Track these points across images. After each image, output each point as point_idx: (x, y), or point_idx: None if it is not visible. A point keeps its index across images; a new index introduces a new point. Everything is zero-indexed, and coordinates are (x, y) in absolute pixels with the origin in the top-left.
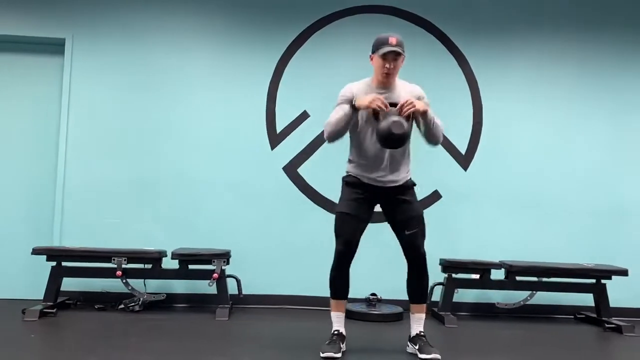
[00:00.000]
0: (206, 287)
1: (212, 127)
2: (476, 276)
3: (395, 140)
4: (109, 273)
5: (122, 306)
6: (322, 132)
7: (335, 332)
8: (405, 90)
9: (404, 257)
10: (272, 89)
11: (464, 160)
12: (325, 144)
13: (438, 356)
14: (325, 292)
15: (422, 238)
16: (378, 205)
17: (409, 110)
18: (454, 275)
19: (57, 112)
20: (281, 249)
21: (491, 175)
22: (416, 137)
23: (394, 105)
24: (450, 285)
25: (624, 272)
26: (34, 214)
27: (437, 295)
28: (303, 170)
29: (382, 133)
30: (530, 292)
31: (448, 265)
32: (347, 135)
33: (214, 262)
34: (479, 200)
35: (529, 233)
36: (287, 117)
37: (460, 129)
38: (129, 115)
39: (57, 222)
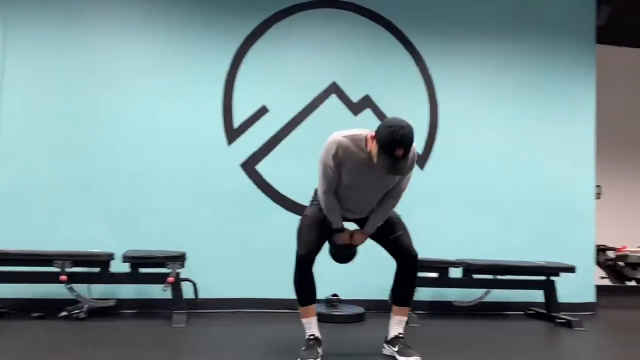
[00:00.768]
0: (157, 291)
1: (164, 119)
2: (435, 275)
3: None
4: (49, 277)
5: (64, 314)
6: (283, 128)
7: (312, 337)
8: None
9: (364, 256)
10: (229, 82)
11: (421, 159)
12: (286, 141)
13: (419, 358)
14: (286, 293)
15: (409, 238)
16: None
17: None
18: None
19: None
20: (238, 250)
21: (447, 174)
22: None
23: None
24: None
25: (571, 269)
26: None
27: None
28: (262, 167)
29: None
30: (486, 289)
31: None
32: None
33: (168, 265)
34: (436, 199)
35: (483, 232)
36: (245, 112)
37: (417, 128)
38: (69, 106)
39: None
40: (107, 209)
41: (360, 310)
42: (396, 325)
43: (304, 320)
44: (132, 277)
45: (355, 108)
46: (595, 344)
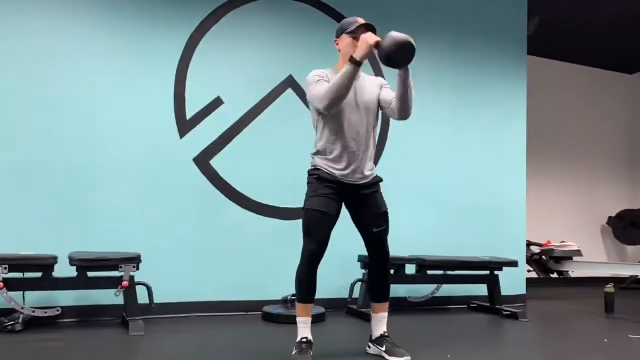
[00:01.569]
0: (102, 297)
1: (109, 108)
2: (391, 271)
3: (411, 47)
4: None
5: None
6: (238, 121)
7: (304, 340)
8: (369, 80)
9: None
10: (181, 70)
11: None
12: (242, 135)
13: (409, 357)
14: (244, 295)
15: (386, 235)
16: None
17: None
18: None
19: None
20: (191, 250)
21: (398, 173)
22: None
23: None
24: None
25: (514, 264)
26: None
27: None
28: (216, 162)
29: (400, 43)
30: (437, 284)
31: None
32: (316, 125)
33: (121, 267)
34: (387, 197)
35: (428, 229)
36: (199, 103)
37: None
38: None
39: None
40: (45, 207)
41: (320, 310)
42: (380, 324)
43: (300, 319)
44: (79, 282)
45: None
46: (540, 332)
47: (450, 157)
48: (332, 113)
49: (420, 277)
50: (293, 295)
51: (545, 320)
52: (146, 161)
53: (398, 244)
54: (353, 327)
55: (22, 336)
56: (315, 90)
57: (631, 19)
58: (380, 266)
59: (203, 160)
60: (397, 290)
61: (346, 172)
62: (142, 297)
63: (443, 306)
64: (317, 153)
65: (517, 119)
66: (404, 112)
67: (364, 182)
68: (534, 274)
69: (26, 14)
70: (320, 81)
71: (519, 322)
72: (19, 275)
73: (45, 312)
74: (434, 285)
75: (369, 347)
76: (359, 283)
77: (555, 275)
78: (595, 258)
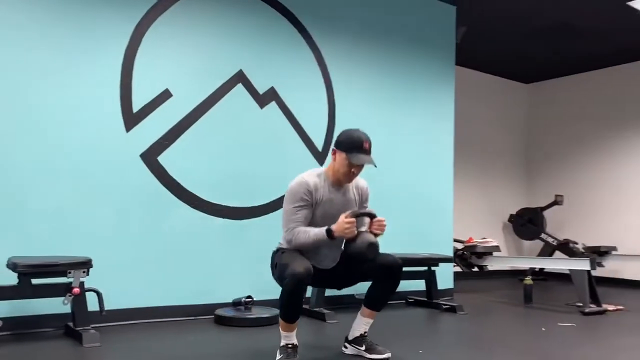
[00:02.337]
0: (42, 306)
1: (48, 98)
2: None
3: (370, 260)
4: None
5: None
6: (188, 116)
7: (290, 345)
8: (354, 190)
9: (268, 257)
10: (128, 59)
11: (320, 155)
12: (191, 130)
13: (389, 354)
14: (197, 299)
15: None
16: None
17: (379, 232)
18: None
19: None
20: (139, 253)
21: None
22: None
23: (364, 215)
24: None
25: (450, 260)
26: None
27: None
28: (165, 158)
29: (356, 254)
30: None
31: None
32: None
33: (70, 273)
34: None
35: None
36: (146, 94)
37: (318, 125)
38: None
39: None
40: None
41: (275, 311)
42: (362, 325)
43: (285, 334)
44: (22, 291)
45: (261, 100)
46: (482, 325)
47: (386, 156)
48: None
49: None
50: (248, 297)
51: (480, 312)
52: (89, 156)
53: None
54: (312, 328)
55: None
56: (289, 221)
57: (536, 35)
58: (392, 279)
59: (151, 157)
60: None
61: (322, 265)
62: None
63: (398, 301)
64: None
65: (445, 121)
66: None
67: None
68: (457, 269)
69: None
70: (302, 210)
71: (459, 315)
72: None
73: None
74: None
75: (346, 347)
76: None
77: (475, 269)
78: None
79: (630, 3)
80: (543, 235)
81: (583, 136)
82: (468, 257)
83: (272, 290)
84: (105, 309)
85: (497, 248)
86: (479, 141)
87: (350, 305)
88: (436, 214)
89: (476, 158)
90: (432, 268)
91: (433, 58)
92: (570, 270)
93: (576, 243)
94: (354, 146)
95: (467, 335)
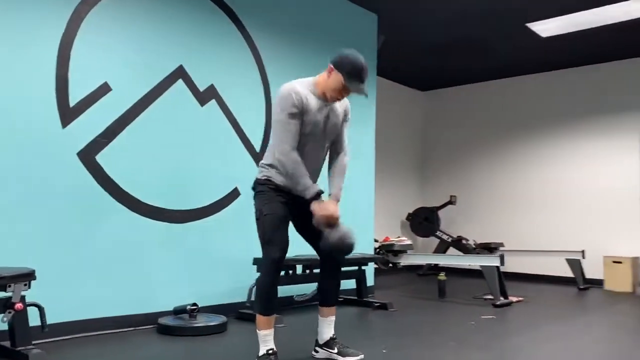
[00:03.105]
0: None
1: None
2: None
3: (348, 250)
4: None
5: None
6: (127, 112)
7: (270, 352)
8: (340, 109)
9: (210, 260)
10: (64, 48)
11: (258, 157)
12: (131, 128)
13: (362, 356)
14: (138, 308)
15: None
16: None
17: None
18: None
19: None
20: (76, 260)
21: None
22: None
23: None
24: None
25: (377, 258)
26: None
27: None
28: (103, 158)
29: (336, 245)
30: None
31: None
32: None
33: (10, 286)
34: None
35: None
36: (84, 87)
37: (255, 124)
38: None
39: None
40: None
41: (222, 319)
42: (329, 327)
43: (263, 332)
44: None
45: (202, 97)
46: (414, 320)
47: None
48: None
49: (309, 277)
50: (193, 304)
51: (406, 308)
52: (22, 155)
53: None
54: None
55: None
56: (284, 135)
57: (441, 48)
58: (334, 271)
59: (88, 156)
60: (291, 290)
61: (300, 188)
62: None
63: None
64: (272, 166)
65: (368, 124)
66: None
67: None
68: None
69: None
70: (294, 118)
71: (391, 312)
72: None
73: None
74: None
75: (317, 351)
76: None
77: (390, 266)
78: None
79: (528, 24)
80: (438, 233)
81: (474, 141)
82: (385, 255)
83: (216, 297)
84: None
85: (411, 246)
86: (378, 144)
87: (292, 307)
88: (359, 214)
89: (376, 160)
90: (362, 267)
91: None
92: (481, 266)
93: (467, 240)
94: (355, 73)
95: (413, 331)
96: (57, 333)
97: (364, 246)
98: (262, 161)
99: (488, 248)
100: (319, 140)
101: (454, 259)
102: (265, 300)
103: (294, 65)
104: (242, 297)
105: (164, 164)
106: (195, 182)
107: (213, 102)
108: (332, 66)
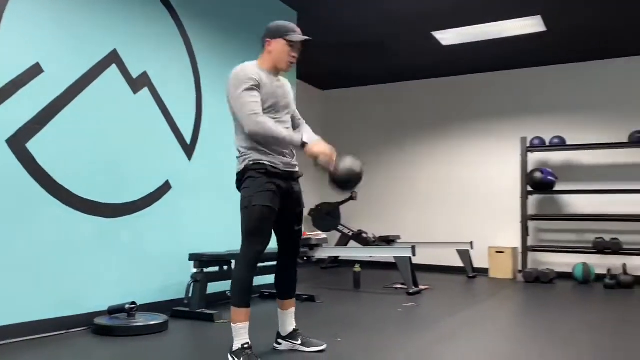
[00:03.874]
0: None
1: None
2: (215, 268)
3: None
4: None
5: None
6: (60, 97)
7: (246, 345)
8: (287, 86)
9: (143, 257)
10: None
11: (188, 149)
12: (64, 114)
13: (325, 345)
14: (74, 309)
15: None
16: None
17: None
18: (205, 270)
19: None
20: (4, 259)
21: (211, 166)
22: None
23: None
24: (204, 280)
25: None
26: None
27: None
28: (34, 146)
29: (352, 176)
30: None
31: (206, 260)
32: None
33: None
34: (198, 190)
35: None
36: (13, 68)
37: (186, 115)
38: None
39: None
40: None
41: (163, 317)
42: (290, 319)
43: (239, 326)
44: None
45: (135, 84)
46: (342, 310)
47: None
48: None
49: None
50: (132, 303)
51: (330, 300)
52: None
53: (206, 239)
54: (210, 332)
55: None
56: (248, 107)
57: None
58: (293, 263)
59: (18, 143)
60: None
61: (286, 160)
62: None
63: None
64: (253, 148)
65: None
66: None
67: (295, 170)
68: None
69: None
70: (253, 90)
71: (319, 304)
72: None
73: None
74: None
75: (280, 343)
76: (195, 283)
77: (305, 259)
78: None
79: (433, 33)
80: (340, 227)
81: (372, 140)
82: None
83: (148, 295)
84: None
85: (326, 240)
86: None
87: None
88: None
89: None
90: None
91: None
92: (395, 257)
93: (367, 233)
94: (289, 29)
95: (351, 320)
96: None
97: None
98: (240, 149)
99: (387, 241)
100: (280, 112)
101: (368, 251)
102: (246, 291)
103: (223, 57)
104: (174, 295)
105: (97, 154)
106: (128, 174)
107: (146, 90)
108: (268, 40)
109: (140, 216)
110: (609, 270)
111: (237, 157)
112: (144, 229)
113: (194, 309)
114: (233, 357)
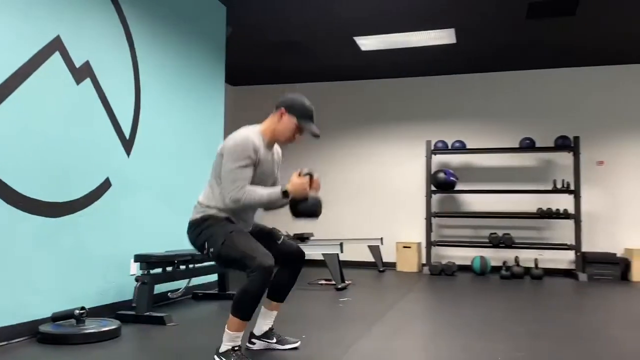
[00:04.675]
0: None
1: None
2: (169, 268)
3: (317, 216)
4: None
5: None
6: (4, 84)
7: (237, 347)
8: (277, 154)
9: (83, 259)
10: None
11: (127, 144)
12: (7, 105)
13: (299, 342)
14: (16, 317)
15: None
16: None
17: (317, 190)
18: (152, 271)
19: None
20: None
21: (150, 163)
22: None
23: (309, 174)
24: (151, 282)
25: None
26: None
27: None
28: None
29: (309, 212)
30: (189, 279)
31: (154, 261)
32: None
33: None
34: (141, 189)
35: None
36: None
37: (125, 109)
38: None
39: None
40: None
41: (115, 323)
42: (270, 320)
43: (235, 334)
44: None
45: (78, 74)
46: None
47: (181, 153)
48: None
49: (188, 273)
50: (81, 308)
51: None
52: None
53: (145, 240)
54: (165, 336)
55: None
56: (238, 183)
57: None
58: (296, 269)
59: None
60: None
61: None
62: None
63: (184, 297)
64: (214, 207)
65: (217, 117)
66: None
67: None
68: None
69: None
70: (248, 167)
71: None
72: None
73: None
74: (186, 280)
75: (253, 343)
76: (142, 286)
77: None
78: None
79: (355, 38)
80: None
81: None
82: None
83: (88, 299)
84: None
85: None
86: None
87: (166, 303)
88: None
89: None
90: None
91: (205, 51)
92: (323, 254)
93: (280, 231)
94: (307, 114)
95: (301, 317)
96: None
97: None
98: (201, 202)
99: (301, 238)
100: (265, 181)
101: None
102: (253, 306)
103: (160, 50)
104: (114, 298)
105: (40, 149)
106: (70, 171)
107: (88, 82)
108: (283, 109)
109: (80, 215)
110: (504, 262)
111: (194, 207)
112: (84, 229)
113: (142, 312)
114: (221, 358)
